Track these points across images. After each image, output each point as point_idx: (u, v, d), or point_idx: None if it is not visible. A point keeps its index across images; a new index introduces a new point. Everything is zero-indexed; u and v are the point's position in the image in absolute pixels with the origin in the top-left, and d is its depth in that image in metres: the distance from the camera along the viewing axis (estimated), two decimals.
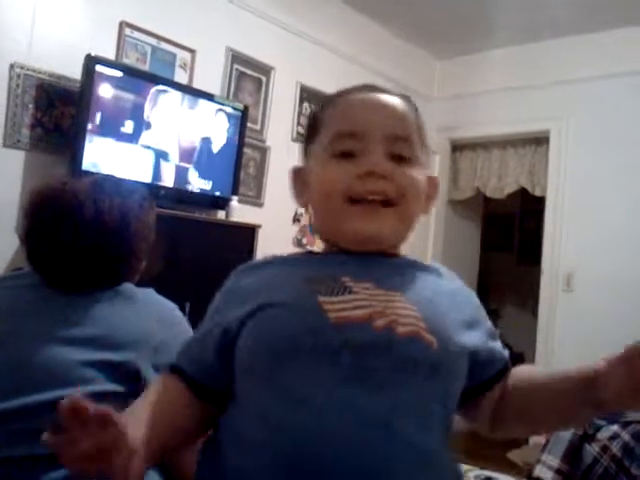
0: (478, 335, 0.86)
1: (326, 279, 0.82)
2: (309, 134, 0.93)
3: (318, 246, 3.49)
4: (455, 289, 0.90)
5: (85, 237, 1.18)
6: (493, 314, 5.75)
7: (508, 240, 6.27)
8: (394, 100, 0.90)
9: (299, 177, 0.94)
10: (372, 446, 0.72)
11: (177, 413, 0.82)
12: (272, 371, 0.77)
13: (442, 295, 0.86)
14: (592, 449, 1.75)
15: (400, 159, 0.85)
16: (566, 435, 1.85)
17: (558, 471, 1.78)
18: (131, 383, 1.13)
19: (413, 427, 0.75)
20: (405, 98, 0.92)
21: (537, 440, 2.54)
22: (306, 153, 0.94)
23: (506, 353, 0.91)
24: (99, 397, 1.09)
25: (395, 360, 0.76)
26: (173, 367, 0.87)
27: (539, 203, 4.62)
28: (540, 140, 4.43)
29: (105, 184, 1.26)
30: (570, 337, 4.05)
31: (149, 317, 1.21)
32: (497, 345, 0.90)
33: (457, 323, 0.83)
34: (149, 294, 1.27)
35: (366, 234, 0.84)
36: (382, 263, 0.87)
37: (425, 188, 0.89)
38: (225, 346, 0.82)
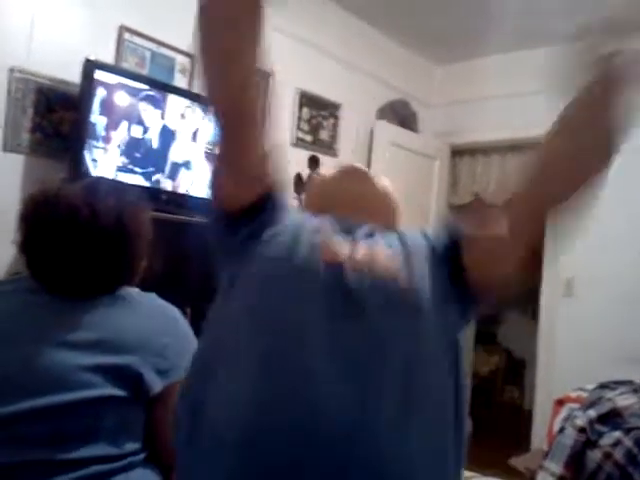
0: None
1: (324, 230, 1.03)
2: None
3: None
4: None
5: (82, 241, 1.17)
6: (493, 320, 5.74)
7: None
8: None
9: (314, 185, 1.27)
10: None
11: None
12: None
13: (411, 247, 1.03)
14: (595, 455, 1.74)
15: None
16: (568, 441, 1.83)
17: (561, 478, 1.77)
18: (133, 387, 1.13)
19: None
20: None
21: (539, 446, 2.52)
22: None
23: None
24: (101, 401, 1.09)
25: (372, 292, 0.91)
26: None
27: None
28: (539, 146, 4.41)
29: (98, 187, 1.26)
30: (571, 342, 4.03)
31: (151, 321, 1.21)
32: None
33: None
34: (151, 298, 1.26)
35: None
36: (372, 226, 1.07)
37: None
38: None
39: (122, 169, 2.74)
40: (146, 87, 2.85)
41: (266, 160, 0.99)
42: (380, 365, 0.82)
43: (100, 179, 1.47)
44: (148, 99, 2.84)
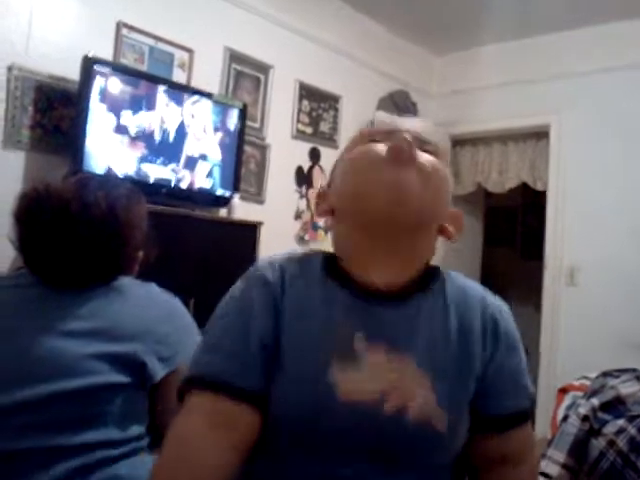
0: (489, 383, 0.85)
1: (342, 339, 0.80)
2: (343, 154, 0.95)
3: (321, 241, 3.46)
4: (472, 334, 0.85)
5: (74, 233, 1.18)
6: None
7: (510, 234, 6.25)
8: (421, 120, 0.95)
9: (325, 198, 0.94)
10: None
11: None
12: (284, 448, 0.79)
13: (456, 345, 0.83)
14: (598, 443, 1.74)
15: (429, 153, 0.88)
16: (572, 430, 1.83)
17: (564, 466, 1.77)
18: (136, 374, 1.15)
19: None
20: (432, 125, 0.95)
21: (542, 435, 2.53)
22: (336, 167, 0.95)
23: (524, 403, 0.87)
24: (106, 388, 1.11)
25: (405, 443, 0.77)
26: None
27: (540, 197, 4.61)
28: (540, 134, 4.41)
29: (89, 181, 1.27)
30: (574, 331, 4.04)
31: (149, 310, 1.22)
32: (509, 398, 0.86)
33: (469, 382, 0.82)
34: (150, 288, 1.28)
35: (398, 184, 0.80)
36: (398, 313, 0.83)
37: (448, 199, 0.89)
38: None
39: (122, 163, 2.74)
40: (145, 82, 2.84)
41: None
42: None
43: (93, 175, 1.48)
44: (146, 94, 2.84)
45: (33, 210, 1.21)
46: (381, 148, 0.85)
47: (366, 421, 0.76)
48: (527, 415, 0.87)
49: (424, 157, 0.85)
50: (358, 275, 0.85)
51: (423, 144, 0.87)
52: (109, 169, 2.67)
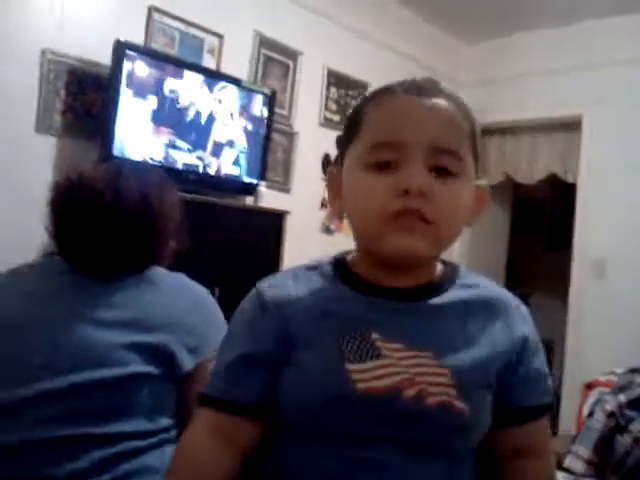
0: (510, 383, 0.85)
1: (356, 337, 0.80)
2: (348, 132, 0.86)
3: (346, 233, 3.46)
4: (494, 332, 0.84)
5: (107, 223, 1.19)
6: (522, 300, 5.68)
7: (538, 226, 6.18)
8: (443, 106, 0.80)
9: (334, 181, 0.88)
10: None
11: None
12: (306, 436, 0.80)
13: (477, 346, 0.82)
14: (624, 440, 1.73)
15: (445, 172, 0.78)
16: (597, 426, 1.82)
17: (589, 462, 1.76)
18: (166, 365, 1.16)
19: None
20: (458, 102, 0.83)
21: (567, 430, 2.52)
22: (343, 152, 0.87)
23: (544, 398, 0.87)
24: (136, 378, 1.12)
25: (426, 431, 0.77)
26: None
27: (568, 189, 4.55)
28: (571, 125, 4.33)
29: (122, 170, 1.28)
30: (601, 325, 3.98)
31: (179, 301, 1.23)
32: (529, 395, 0.86)
33: (490, 378, 0.82)
34: (179, 278, 1.28)
35: (403, 250, 0.78)
36: (415, 312, 0.83)
37: (469, 203, 0.82)
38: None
39: (152, 150, 2.76)
40: (175, 67, 2.86)
41: None
42: None
43: (125, 162, 1.49)
44: (176, 80, 2.85)
45: (67, 200, 1.22)
46: (388, 200, 0.77)
47: (386, 408, 0.76)
48: (547, 409, 0.88)
49: (437, 188, 0.77)
50: (372, 279, 0.85)
51: (441, 154, 0.78)
52: (141, 157, 2.69)
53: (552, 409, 0.90)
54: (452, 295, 0.85)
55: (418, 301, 0.84)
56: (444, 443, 0.79)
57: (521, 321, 0.87)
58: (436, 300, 0.84)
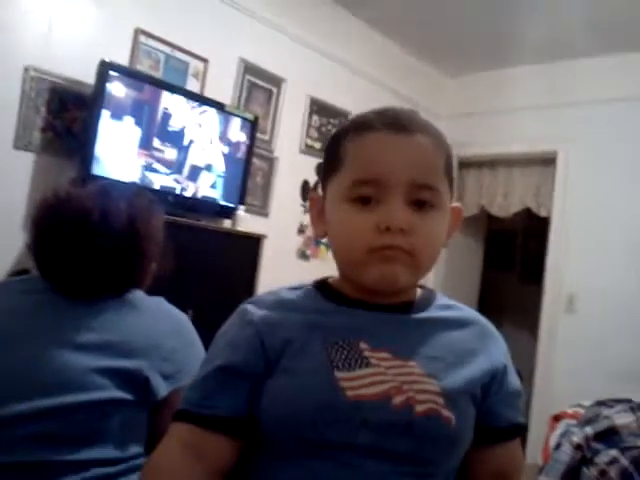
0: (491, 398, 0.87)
1: (344, 347, 0.82)
2: (328, 165, 0.88)
3: (322, 259, 3.47)
4: (474, 347, 0.87)
5: (92, 244, 1.17)
6: None
7: (510, 258, 6.26)
8: (422, 143, 0.83)
9: (316, 205, 0.91)
10: None
11: None
12: (290, 451, 0.79)
13: (461, 359, 0.85)
14: (590, 473, 1.75)
15: (423, 204, 0.82)
16: (564, 458, 1.84)
17: None
18: (139, 391, 1.14)
19: None
20: (434, 134, 0.86)
21: (534, 461, 2.53)
22: (324, 182, 0.90)
23: (519, 418, 0.90)
24: (108, 404, 1.10)
25: (413, 440, 0.78)
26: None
27: (542, 223, 4.63)
28: (547, 161, 4.43)
29: (111, 190, 1.26)
30: (570, 358, 4.04)
31: (158, 325, 1.21)
32: (508, 412, 0.89)
33: (474, 389, 0.84)
34: (160, 303, 1.27)
35: (384, 280, 0.82)
36: (400, 323, 0.86)
37: (446, 229, 0.87)
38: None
39: (132, 170, 2.77)
40: (159, 90, 2.88)
41: None
42: None
43: (114, 182, 1.48)
44: (159, 102, 2.87)
45: (52, 217, 1.20)
46: (370, 236, 0.80)
47: (375, 416, 0.77)
48: (522, 429, 0.90)
49: (416, 223, 0.81)
50: (356, 298, 0.87)
51: (420, 189, 0.82)
52: (119, 177, 2.69)
53: (526, 430, 0.93)
54: (433, 313, 0.89)
55: (403, 314, 0.87)
56: (429, 455, 0.79)
57: (498, 342, 0.91)
58: (420, 315, 0.87)
